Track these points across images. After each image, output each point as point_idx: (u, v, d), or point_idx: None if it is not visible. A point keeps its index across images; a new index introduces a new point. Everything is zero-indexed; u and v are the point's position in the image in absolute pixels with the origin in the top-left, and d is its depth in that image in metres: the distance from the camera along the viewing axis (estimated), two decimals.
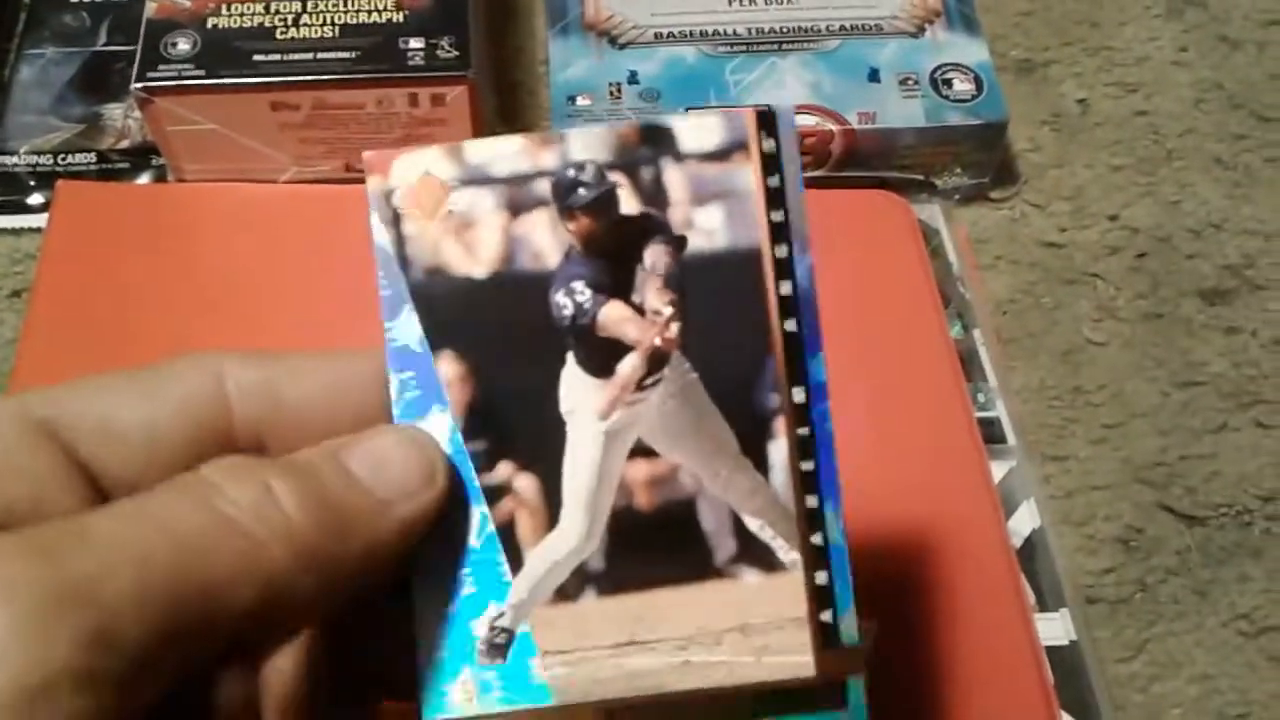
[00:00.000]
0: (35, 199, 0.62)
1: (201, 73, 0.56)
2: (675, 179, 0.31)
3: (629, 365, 0.30)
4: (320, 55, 0.56)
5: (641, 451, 0.31)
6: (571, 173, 0.30)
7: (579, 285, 0.30)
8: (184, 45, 0.56)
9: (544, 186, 0.30)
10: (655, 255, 0.31)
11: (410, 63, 0.56)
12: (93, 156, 0.63)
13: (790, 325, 0.32)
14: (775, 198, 0.32)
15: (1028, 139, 0.69)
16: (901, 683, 0.47)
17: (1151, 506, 0.57)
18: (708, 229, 0.31)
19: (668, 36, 0.66)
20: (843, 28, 0.66)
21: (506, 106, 0.67)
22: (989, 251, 0.65)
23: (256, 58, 0.56)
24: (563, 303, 0.30)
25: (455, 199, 0.30)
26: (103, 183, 0.62)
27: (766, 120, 0.31)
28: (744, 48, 0.65)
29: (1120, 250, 0.65)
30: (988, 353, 0.59)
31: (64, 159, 0.63)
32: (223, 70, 0.56)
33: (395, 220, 0.31)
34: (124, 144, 0.63)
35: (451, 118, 0.58)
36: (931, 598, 0.50)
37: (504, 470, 0.30)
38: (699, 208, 0.31)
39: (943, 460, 0.54)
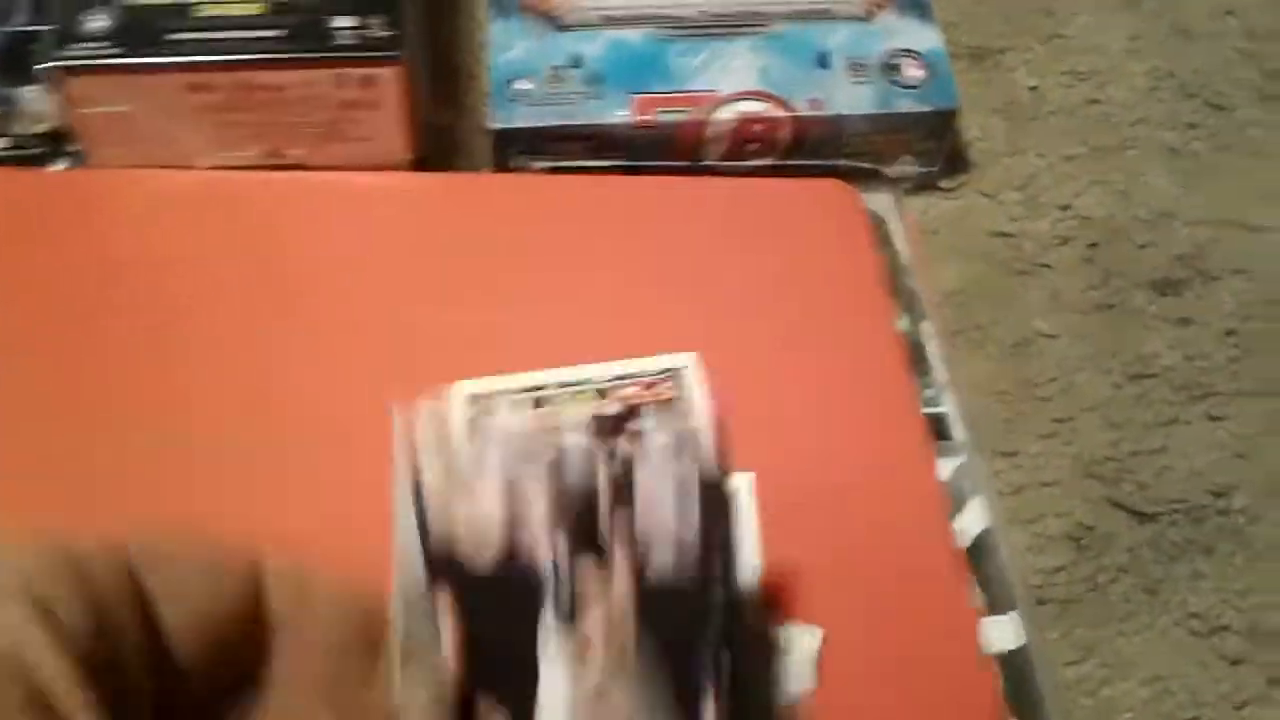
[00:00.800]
0: None
1: (118, 50, 0.53)
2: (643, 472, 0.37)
3: (596, 617, 0.34)
4: (243, 34, 0.54)
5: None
6: (564, 447, 0.36)
7: (559, 544, 0.35)
8: (100, 22, 0.54)
9: (542, 457, 0.36)
10: (621, 524, 0.36)
11: (338, 42, 0.54)
12: (7, 141, 0.60)
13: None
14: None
15: (979, 127, 0.68)
16: (847, 688, 0.46)
17: (1102, 502, 0.56)
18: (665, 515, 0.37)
19: (612, 19, 0.64)
20: (791, 12, 0.64)
21: (444, 89, 0.65)
22: (938, 242, 0.63)
23: (175, 35, 0.54)
24: (544, 558, 0.34)
25: (467, 456, 0.36)
26: (15, 168, 0.59)
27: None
28: (691, 31, 0.63)
29: (1071, 240, 0.64)
30: (935, 346, 0.57)
31: None
32: (140, 48, 0.53)
33: (415, 469, 0.36)
34: (39, 128, 0.60)
35: (382, 100, 0.55)
36: (877, 601, 0.48)
37: (482, 706, 0.33)
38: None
39: (889, 457, 0.52)
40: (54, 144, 0.60)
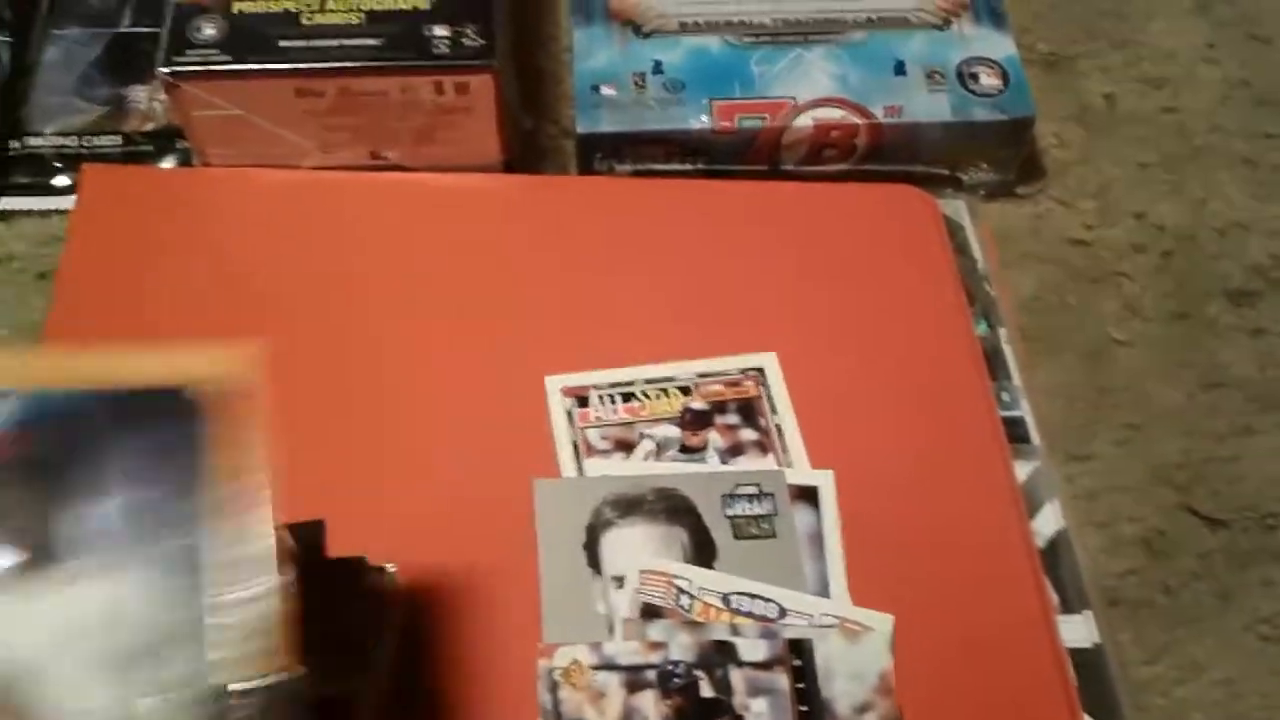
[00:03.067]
0: (60, 181, 0.62)
1: (227, 58, 0.55)
2: (737, 678, 0.47)
3: None
4: (345, 42, 0.56)
5: None
6: (669, 667, 0.47)
7: None
8: (210, 30, 0.56)
9: (652, 675, 0.47)
10: None
11: (435, 51, 0.56)
12: (118, 139, 0.63)
13: None
14: (802, 696, 0.47)
15: (1053, 135, 0.68)
16: (923, 681, 0.47)
17: (1174, 509, 0.57)
18: (757, 712, 0.46)
19: (693, 26, 0.65)
20: (869, 20, 0.65)
21: (530, 94, 0.67)
22: (1014, 248, 0.64)
23: (282, 44, 0.56)
24: None
25: (595, 677, 0.46)
26: (128, 166, 0.61)
27: (795, 646, 0.47)
28: (769, 39, 0.65)
29: (1146, 249, 0.64)
30: (1012, 351, 0.59)
31: (89, 141, 0.62)
32: (248, 56, 0.55)
33: (554, 688, 0.46)
34: (149, 126, 0.63)
35: (476, 106, 0.58)
36: (954, 597, 0.50)
37: None
38: (752, 699, 0.47)
39: (967, 459, 0.54)
40: (163, 142, 0.62)
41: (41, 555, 0.31)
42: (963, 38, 0.65)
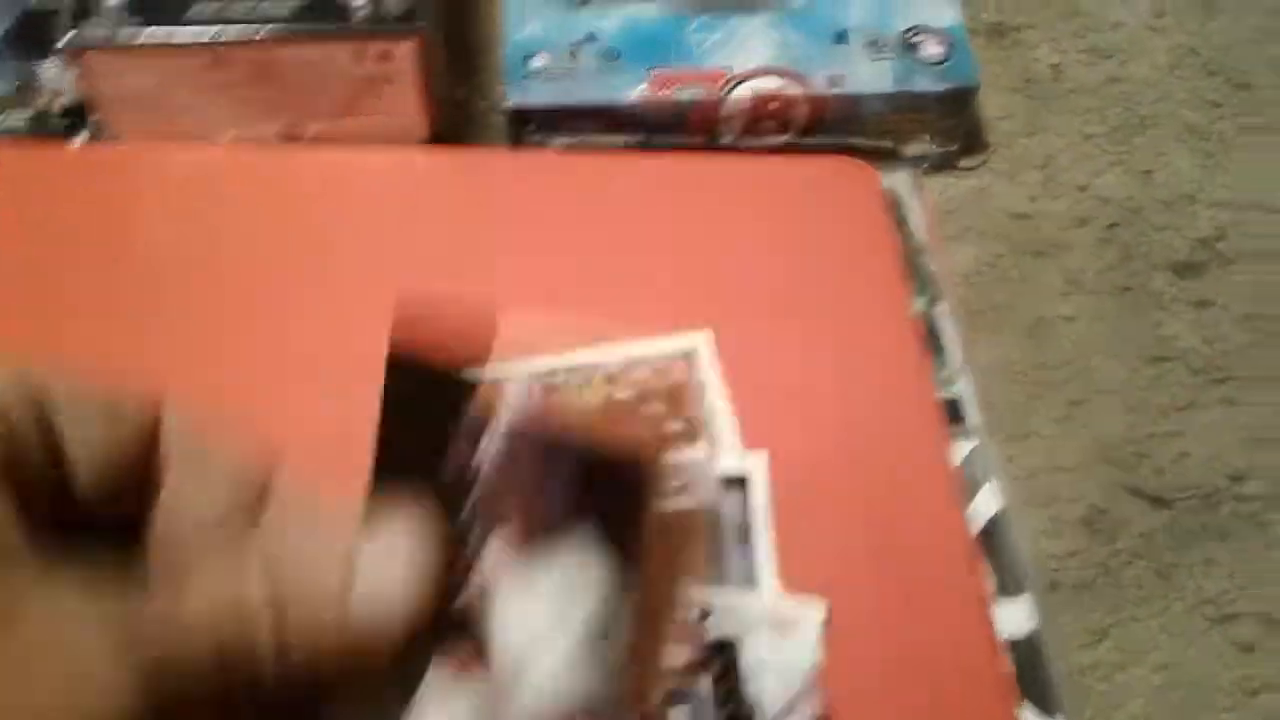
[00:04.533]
0: None
1: (135, 26, 0.53)
2: None
3: None
4: (260, 7, 0.54)
5: None
6: None
7: None
8: None
9: None
10: None
11: (355, 16, 0.54)
12: (28, 114, 0.60)
13: None
14: (727, 697, 0.44)
15: (998, 106, 0.67)
16: (855, 668, 0.46)
17: (1117, 487, 0.56)
18: None
19: None
20: None
21: (462, 63, 0.65)
22: (956, 221, 0.63)
23: (192, 10, 0.53)
24: None
25: None
26: (38, 143, 0.59)
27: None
28: (707, 6, 0.63)
29: (1090, 221, 0.63)
30: (951, 328, 0.57)
31: None
32: (157, 23, 0.53)
33: None
34: (60, 103, 0.60)
35: (399, 75, 0.55)
36: (889, 582, 0.48)
37: None
38: (670, 709, 0.43)
39: (903, 439, 0.52)
40: (75, 118, 0.60)
41: None
42: (906, 4, 0.63)
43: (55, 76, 0.61)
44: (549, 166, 0.60)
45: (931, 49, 0.62)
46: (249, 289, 0.54)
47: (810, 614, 0.46)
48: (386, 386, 0.28)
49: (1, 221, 0.55)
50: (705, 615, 0.46)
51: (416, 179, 0.58)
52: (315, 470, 0.48)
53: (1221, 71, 0.69)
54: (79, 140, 0.59)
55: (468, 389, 0.27)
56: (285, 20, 0.54)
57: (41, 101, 0.61)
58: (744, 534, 0.49)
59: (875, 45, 0.62)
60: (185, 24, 0.53)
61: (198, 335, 0.53)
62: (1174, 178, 0.65)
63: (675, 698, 0.44)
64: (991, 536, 0.51)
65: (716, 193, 0.60)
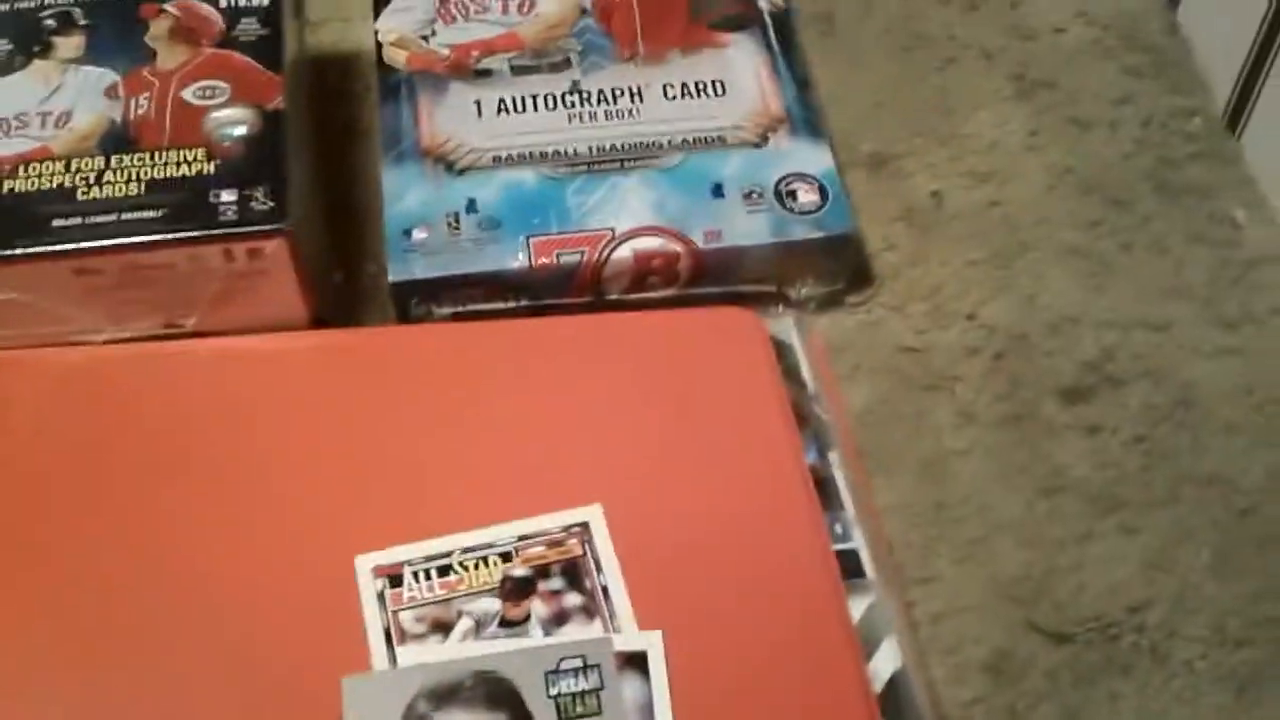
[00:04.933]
0: None
1: None
2: None
3: None
4: (125, 216, 0.54)
5: None
6: None
7: None
8: None
9: None
10: None
11: (222, 218, 0.54)
12: None
13: None
14: None
15: (881, 237, 0.68)
16: None
17: (1019, 625, 0.56)
18: None
19: (506, 160, 0.64)
20: (685, 141, 0.64)
21: (343, 241, 0.65)
22: (846, 360, 0.63)
23: (56, 223, 0.53)
24: None
25: None
26: None
27: None
28: (585, 167, 0.63)
29: (978, 351, 0.64)
30: (844, 477, 0.57)
31: None
32: (18, 240, 0.53)
33: None
34: None
35: (271, 269, 0.55)
36: None
37: None
38: None
39: (800, 603, 0.52)
40: None
41: None
42: (779, 154, 0.64)
43: None
44: (432, 339, 0.60)
45: (806, 197, 0.63)
46: (122, 495, 0.53)
47: None
48: None
49: None
50: None
51: (299, 362, 0.58)
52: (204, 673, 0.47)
53: (1098, 189, 0.70)
54: None
55: None
56: (152, 229, 0.53)
57: None
58: (647, 714, 0.48)
59: (751, 197, 0.62)
60: (48, 239, 0.53)
61: (72, 535, 0.52)
62: (1058, 300, 0.66)
63: None
64: (893, 696, 0.51)
65: (604, 351, 0.60)
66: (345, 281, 0.63)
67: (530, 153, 0.64)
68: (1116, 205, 0.70)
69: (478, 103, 0.66)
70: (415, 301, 0.61)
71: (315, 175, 0.63)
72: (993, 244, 0.68)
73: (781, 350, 0.61)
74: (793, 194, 0.63)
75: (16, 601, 0.50)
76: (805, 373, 0.61)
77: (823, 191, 0.63)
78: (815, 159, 0.64)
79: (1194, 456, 0.60)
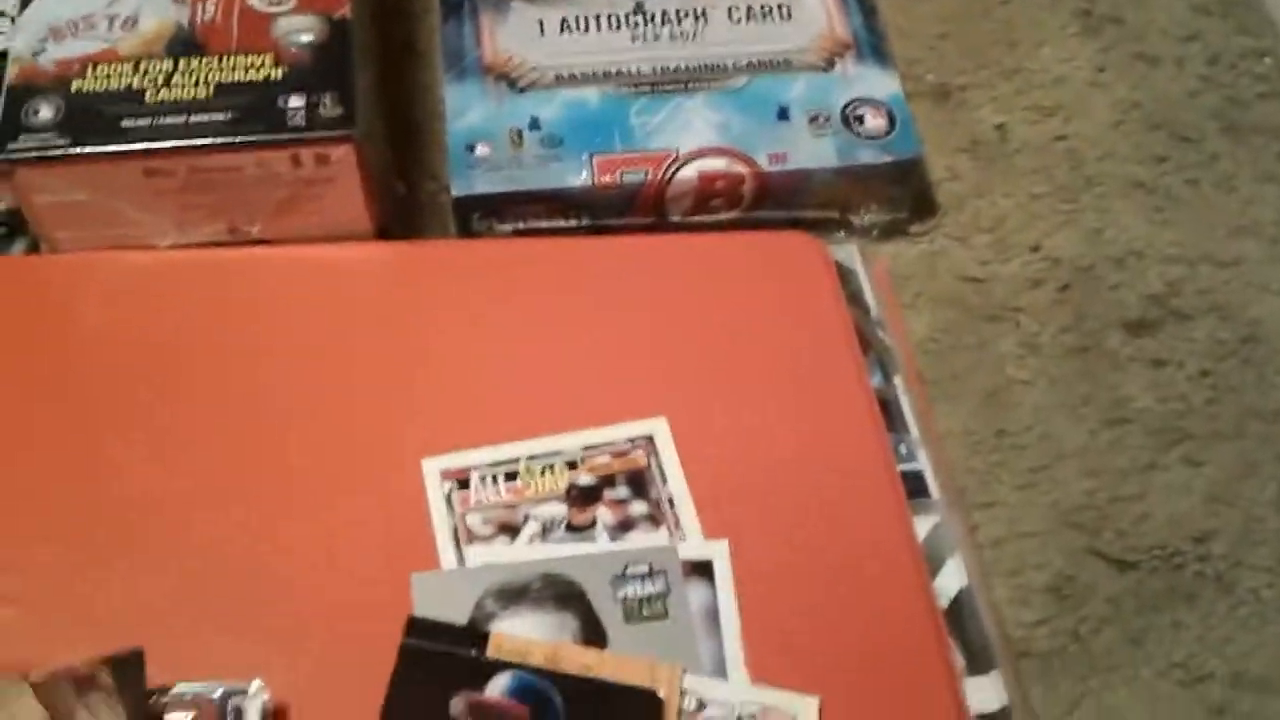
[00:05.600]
0: None
1: (66, 141, 0.52)
2: None
3: None
4: (194, 118, 0.53)
5: None
6: None
7: None
8: (47, 112, 0.53)
9: None
10: None
11: (291, 122, 0.53)
12: None
13: None
14: None
15: (945, 168, 0.67)
16: None
17: (1082, 552, 0.55)
18: None
19: (569, 78, 0.63)
20: (750, 64, 0.64)
21: (408, 149, 0.65)
22: (909, 288, 0.63)
23: (125, 123, 0.53)
24: None
25: None
26: None
27: None
28: (649, 88, 0.63)
29: (1042, 283, 0.63)
30: (909, 401, 0.57)
31: None
32: (90, 138, 0.52)
33: None
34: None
35: (338, 176, 0.55)
36: (859, 664, 0.48)
37: None
38: None
39: (866, 520, 0.52)
40: (10, 228, 0.59)
41: None
42: (846, 78, 0.64)
43: None
44: (495, 254, 0.60)
45: (873, 122, 0.62)
46: (196, 395, 0.53)
47: (804, 707, 0.45)
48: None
49: None
50: (702, 706, 0.46)
51: (362, 274, 0.58)
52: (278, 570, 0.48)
53: (1165, 125, 0.69)
54: (16, 251, 0.59)
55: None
56: (220, 131, 0.53)
57: None
58: (713, 620, 0.48)
59: (817, 121, 0.62)
60: (119, 138, 0.53)
61: (146, 440, 0.52)
62: (1123, 234, 0.65)
63: None
64: (957, 613, 0.51)
65: (666, 272, 0.60)
66: (407, 196, 0.63)
67: (593, 72, 0.63)
68: (1183, 142, 0.69)
69: (540, 21, 0.65)
70: (477, 217, 0.61)
71: (378, 89, 0.62)
72: (1058, 178, 0.67)
73: (845, 276, 0.61)
74: (860, 118, 0.62)
75: (76, 498, 0.50)
76: (869, 298, 0.60)
77: (890, 117, 0.62)
78: (882, 84, 0.63)
79: (1260, 392, 0.60)
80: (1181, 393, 0.59)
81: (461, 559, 0.49)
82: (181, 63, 0.55)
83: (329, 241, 0.58)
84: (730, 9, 0.66)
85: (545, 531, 0.50)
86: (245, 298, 0.56)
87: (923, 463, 0.55)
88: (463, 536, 0.49)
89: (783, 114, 0.62)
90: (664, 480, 0.52)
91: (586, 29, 0.65)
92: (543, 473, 0.51)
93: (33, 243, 0.59)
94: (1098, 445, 0.58)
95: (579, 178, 0.60)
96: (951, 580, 0.52)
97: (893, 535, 0.51)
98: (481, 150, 0.61)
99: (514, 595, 0.47)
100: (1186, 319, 0.62)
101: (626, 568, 0.48)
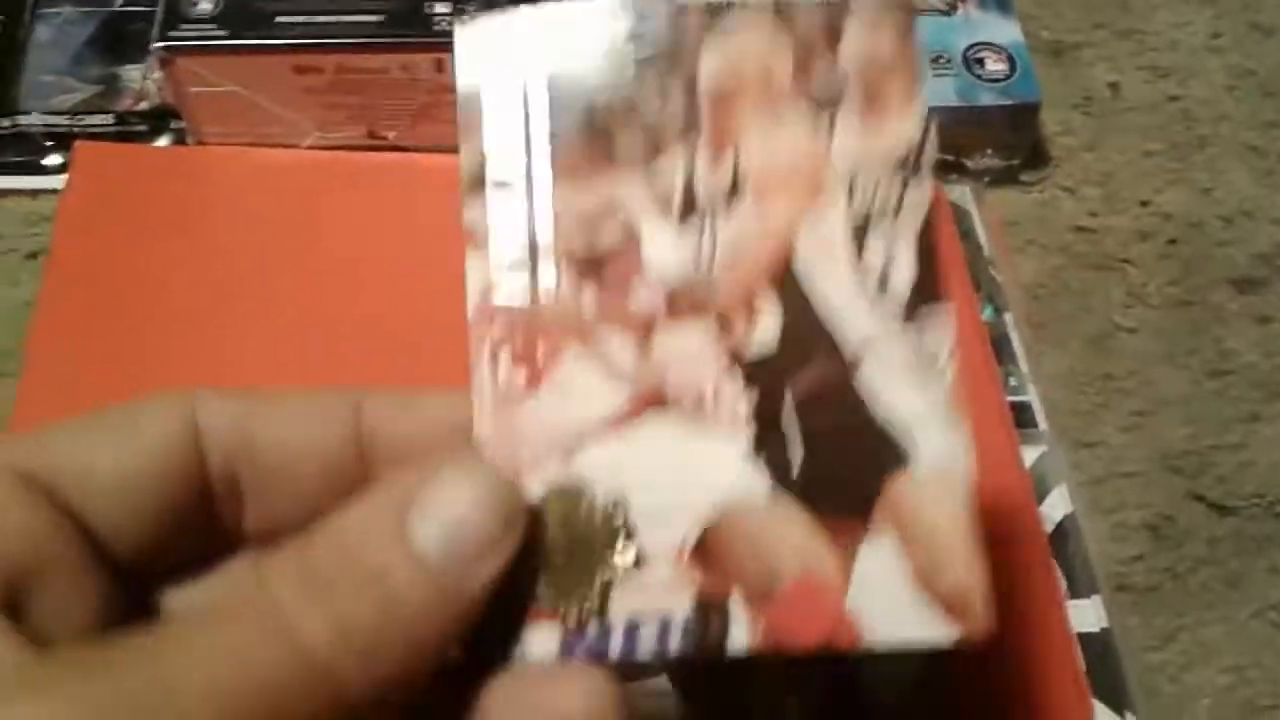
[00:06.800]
0: (51, 160, 0.60)
1: (224, 33, 0.55)
2: None
3: None
4: (345, 18, 0.55)
5: None
6: None
7: None
8: (206, 5, 0.55)
9: None
10: None
11: (437, 27, 0.55)
12: (110, 118, 0.62)
13: None
14: None
15: (1059, 122, 0.68)
16: (935, 664, 0.46)
17: (1182, 495, 0.56)
18: None
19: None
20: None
21: None
22: (1019, 235, 0.64)
23: (280, 19, 0.55)
24: None
25: None
26: (121, 144, 0.60)
27: None
28: None
29: (1151, 236, 0.64)
30: (1019, 336, 0.58)
31: (81, 120, 0.61)
32: (245, 31, 0.55)
33: None
34: (142, 105, 0.62)
35: None
36: None
37: None
38: None
39: (977, 443, 0.53)
40: (156, 121, 0.61)
41: None
42: (968, 23, 0.65)
43: (138, 80, 0.63)
44: None
45: (994, 65, 0.63)
46: (330, 293, 0.55)
47: None
48: None
49: (83, 219, 0.57)
50: None
51: None
52: None
53: (1278, 92, 0.70)
54: (161, 143, 0.61)
55: None
56: (369, 32, 0.55)
57: (124, 104, 0.62)
58: None
59: (938, 62, 0.63)
60: (274, 32, 0.55)
61: (278, 339, 0.54)
62: (1233, 194, 0.66)
63: None
64: (1060, 539, 0.52)
65: None
66: None
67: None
68: None
69: None
70: None
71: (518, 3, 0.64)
72: (1170, 137, 0.68)
73: (958, 216, 0.62)
74: (980, 61, 0.63)
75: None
76: (981, 238, 0.61)
77: (1011, 61, 0.63)
78: (1004, 30, 0.64)
79: None
80: None
81: None
82: None
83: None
84: None
85: None
86: (384, 200, 0.58)
87: (1031, 395, 0.56)
88: None
89: None
90: None
91: None
92: None
93: (177, 139, 0.61)
94: (1201, 394, 0.59)
95: None
96: (1056, 508, 0.53)
97: (1002, 458, 0.52)
98: None
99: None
100: None
101: None
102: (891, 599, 0.28)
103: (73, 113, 0.62)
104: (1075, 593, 0.51)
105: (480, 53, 0.30)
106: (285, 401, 0.30)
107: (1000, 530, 0.50)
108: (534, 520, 0.28)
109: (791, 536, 0.29)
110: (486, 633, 0.26)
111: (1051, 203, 0.65)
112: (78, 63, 0.64)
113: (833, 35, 0.31)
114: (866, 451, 0.30)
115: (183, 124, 0.59)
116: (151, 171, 0.59)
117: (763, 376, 0.30)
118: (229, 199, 0.58)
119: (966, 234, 0.61)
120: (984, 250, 0.61)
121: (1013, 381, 0.56)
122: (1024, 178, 0.65)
